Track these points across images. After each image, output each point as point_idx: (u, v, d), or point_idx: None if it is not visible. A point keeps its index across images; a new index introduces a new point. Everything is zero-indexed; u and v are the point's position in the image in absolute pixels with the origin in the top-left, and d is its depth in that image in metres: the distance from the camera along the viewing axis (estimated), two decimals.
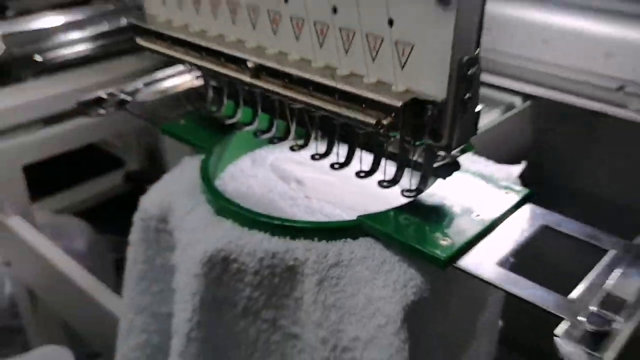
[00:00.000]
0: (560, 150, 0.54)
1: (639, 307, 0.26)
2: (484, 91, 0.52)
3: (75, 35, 0.68)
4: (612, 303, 0.26)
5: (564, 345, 0.25)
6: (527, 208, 0.33)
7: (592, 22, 0.46)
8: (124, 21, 0.69)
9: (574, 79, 0.46)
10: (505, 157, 0.46)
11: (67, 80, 0.76)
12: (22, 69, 0.73)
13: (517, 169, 0.39)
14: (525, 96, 0.50)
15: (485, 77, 0.49)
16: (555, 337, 0.25)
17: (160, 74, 0.49)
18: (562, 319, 0.26)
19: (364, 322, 0.30)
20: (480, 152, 0.43)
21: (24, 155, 0.77)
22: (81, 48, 0.69)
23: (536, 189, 0.34)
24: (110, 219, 1.15)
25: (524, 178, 0.38)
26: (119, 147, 1.29)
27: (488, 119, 0.50)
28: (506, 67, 0.49)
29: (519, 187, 0.34)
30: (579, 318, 0.26)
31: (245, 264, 0.32)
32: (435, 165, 0.32)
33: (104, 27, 0.68)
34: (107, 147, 1.30)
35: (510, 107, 0.50)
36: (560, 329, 0.25)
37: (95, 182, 1.30)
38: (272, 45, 0.34)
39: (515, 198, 0.33)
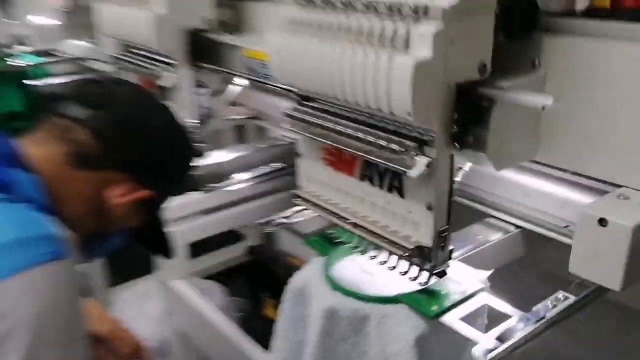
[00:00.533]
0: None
1: None
2: (491, 220, 0.86)
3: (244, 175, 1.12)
4: None
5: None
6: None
7: (553, 186, 0.78)
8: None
9: (540, 217, 0.78)
10: (500, 264, 0.79)
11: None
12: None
13: (486, 273, 0.72)
14: (516, 226, 0.83)
15: (491, 212, 0.83)
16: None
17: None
18: None
19: (397, 341, 0.65)
20: (485, 259, 0.77)
21: (189, 236, 1.22)
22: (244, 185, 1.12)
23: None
24: (235, 284, 1.57)
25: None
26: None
27: (494, 236, 0.83)
28: (504, 206, 0.83)
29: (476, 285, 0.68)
30: None
31: (345, 314, 0.68)
32: (434, 271, 0.66)
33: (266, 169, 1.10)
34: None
35: (506, 231, 0.84)
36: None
37: (223, 252, 1.74)
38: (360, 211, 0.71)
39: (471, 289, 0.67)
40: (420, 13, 0.53)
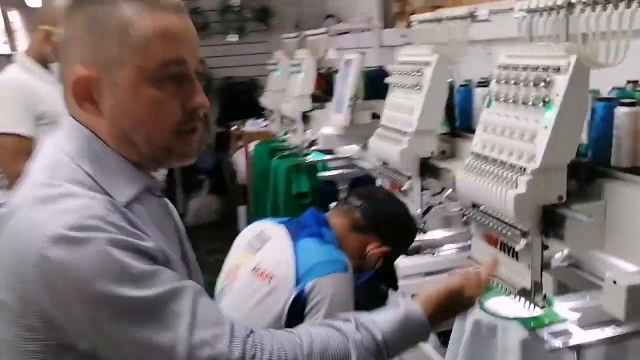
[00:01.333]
0: None
1: None
2: None
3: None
4: None
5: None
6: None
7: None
8: None
9: None
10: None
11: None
12: None
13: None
14: None
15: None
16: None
17: None
18: None
19: (512, 340, 1.18)
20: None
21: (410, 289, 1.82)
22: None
23: None
24: None
25: None
26: None
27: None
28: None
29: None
30: None
31: (484, 322, 1.24)
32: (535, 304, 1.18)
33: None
34: None
35: None
36: None
37: None
38: None
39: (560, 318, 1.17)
40: (519, 170, 1.11)
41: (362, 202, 1.57)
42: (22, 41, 4.83)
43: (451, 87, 1.74)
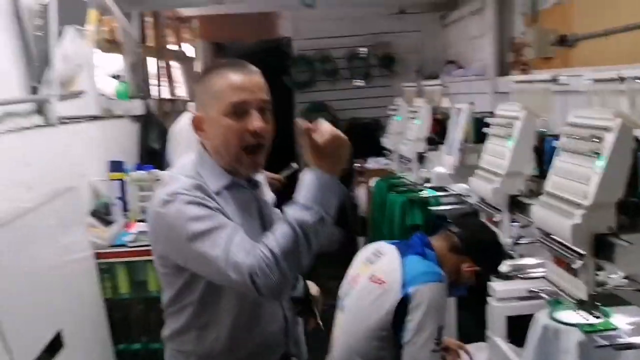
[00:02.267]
0: None
1: None
2: None
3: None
4: None
5: None
6: None
7: None
8: None
9: None
10: None
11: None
12: None
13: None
14: None
15: None
16: None
17: None
18: None
19: (571, 340, 1.48)
20: None
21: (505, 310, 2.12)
22: None
23: None
24: None
25: None
26: None
27: None
28: None
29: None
30: None
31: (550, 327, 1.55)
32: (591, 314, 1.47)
33: None
34: None
35: None
36: None
37: None
38: None
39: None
40: (576, 205, 1.43)
41: (459, 229, 1.94)
42: (182, 88, 5.71)
43: (542, 137, 2.06)
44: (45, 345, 1.77)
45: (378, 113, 5.86)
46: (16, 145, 2.12)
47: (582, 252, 1.45)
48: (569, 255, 1.49)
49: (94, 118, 3.13)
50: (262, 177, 1.58)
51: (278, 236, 1.26)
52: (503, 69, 4.21)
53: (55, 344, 1.84)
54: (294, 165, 3.33)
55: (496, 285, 2.23)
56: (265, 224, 1.47)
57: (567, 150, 1.54)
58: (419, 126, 3.40)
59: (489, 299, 2.29)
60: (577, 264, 1.45)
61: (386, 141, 4.37)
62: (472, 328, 2.76)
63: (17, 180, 2.07)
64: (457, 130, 2.92)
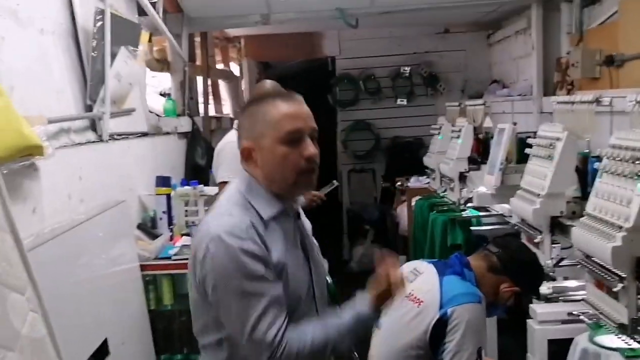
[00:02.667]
0: None
1: None
2: None
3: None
4: None
5: None
6: None
7: None
8: None
9: None
10: None
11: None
12: None
13: None
14: None
15: None
16: None
17: None
18: None
19: None
20: None
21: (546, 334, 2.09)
22: None
23: None
24: None
25: None
26: None
27: None
28: None
29: None
30: None
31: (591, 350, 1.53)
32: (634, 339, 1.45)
33: None
34: None
35: None
36: None
37: None
38: None
39: None
40: (617, 228, 1.42)
41: (498, 249, 1.93)
42: (228, 106, 5.85)
43: (584, 158, 2.04)
44: (92, 352, 1.84)
45: (421, 132, 5.85)
46: (71, 160, 2.23)
47: (622, 275, 1.44)
48: (609, 278, 1.47)
49: (143, 135, 3.25)
50: (300, 205, 1.58)
51: (310, 341, 1.32)
52: (548, 89, 4.17)
53: (102, 351, 1.91)
54: (335, 182, 3.37)
55: (537, 308, 2.20)
56: (307, 254, 1.49)
57: (609, 172, 1.53)
58: (460, 145, 3.40)
59: (529, 321, 2.26)
60: (618, 287, 1.44)
61: (428, 160, 4.37)
62: (513, 352, 2.72)
63: (71, 193, 2.17)
64: (499, 150, 2.91)
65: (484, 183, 3.11)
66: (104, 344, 1.94)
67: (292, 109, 1.40)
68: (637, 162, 1.41)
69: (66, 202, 2.13)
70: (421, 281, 1.93)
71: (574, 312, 1.76)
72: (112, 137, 2.66)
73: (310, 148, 1.39)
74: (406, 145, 6.20)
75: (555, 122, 2.07)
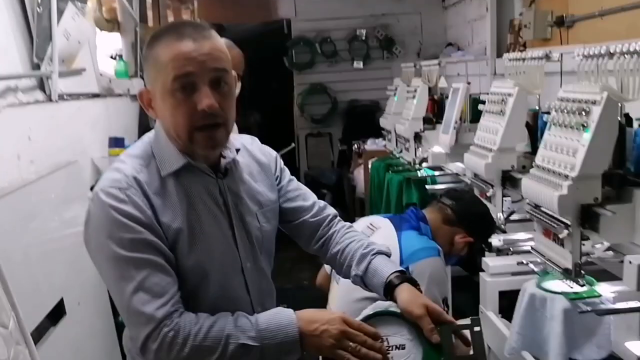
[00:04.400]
0: None
1: None
2: None
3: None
4: None
5: None
6: None
7: None
8: None
9: None
10: None
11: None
12: None
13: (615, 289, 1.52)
14: None
15: None
16: None
17: None
18: None
19: (557, 308, 1.53)
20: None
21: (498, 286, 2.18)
22: None
23: None
24: None
25: None
26: None
27: None
28: None
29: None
30: None
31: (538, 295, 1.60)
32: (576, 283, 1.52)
33: None
34: None
35: None
36: None
37: None
38: None
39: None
40: (564, 177, 1.47)
41: (452, 201, 1.98)
42: None
43: (535, 114, 2.10)
44: (48, 312, 1.82)
45: (377, 95, 5.89)
46: (19, 120, 2.16)
47: (568, 222, 1.50)
48: (556, 226, 1.53)
49: (95, 96, 3.16)
50: (254, 166, 1.39)
51: (209, 328, 1.13)
52: (501, 51, 4.23)
53: (58, 311, 1.89)
54: (292, 144, 3.38)
55: (489, 261, 2.28)
56: (232, 220, 1.28)
57: (557, 124, 1.58)
58: (416, 106, 3.44)
59: (482, 274, 2.34)
60: (564, 233, 1.50)
61: (384, 121, 4.41)
62: (468, 307, 2.83)
63: (20, 153, 2.11)
64: (454, 110, 2.96)
65: (439, 142, 3.17)
66: (60, 304, 1.92)
67: (186, 49, 1.14)
68: (582, 113, 1.46)
69: (15, 163, 2.07)
70: (378, 236, 1.96)
71: (523, 262, 1.83)
72: (62, 97, 2.58)
73: (205, 99, 1.14)
74: (363, 109, 6.23)
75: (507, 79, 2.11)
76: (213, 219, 1.25)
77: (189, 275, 1.20)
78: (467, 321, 1.30)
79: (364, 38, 6.18)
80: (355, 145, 5.34)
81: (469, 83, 2.97)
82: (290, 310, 1.19)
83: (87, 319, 2.02)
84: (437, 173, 3.35)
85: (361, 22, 6.19)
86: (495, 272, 2.25)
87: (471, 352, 1.21)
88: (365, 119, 6.02)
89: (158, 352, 1.11)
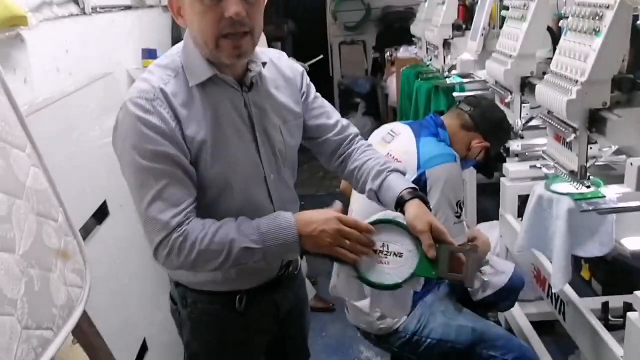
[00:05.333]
0: None
1: None
2: None
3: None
4: None
5: None
6: None
7: None
8: None
9: None
10: None
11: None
12: None
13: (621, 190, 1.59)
14: None
15: None
16: None
17: None
18: None
19: (563, 208, 1.62)
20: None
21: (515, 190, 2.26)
22: None
23: None
24: None
25: None
26: None
27: None
28: None
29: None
30: None
31: (545, 196, 1.69)
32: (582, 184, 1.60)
33: None
34: None
35: None
36: None
37: None
38: None
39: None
40: (574, 82, 1.51)
41: (470, 107, 2.04)
42: None
43: (558, 18, 2.08)
44: (93, 212, 2.00)
45: (412, 1, 5.74)
46: (56, 33, 2.26)
47: (575, 125, 1.55)
48: (564, 130, 1.59)
49: (127, 8, 3.22)
50: (280, 81, 1.39)
51: (214, 233, 1.20)
52: None
53: (102, 212, 2.08)
54: (321, 55, 3.40)
55: (509, 166, 2.36)
56: (256, 133, 1.32)
57: (572, 29, 1.59)
58: (444, 12, 3.39)
59: (502, 179, 2.43)
60: (571, 137, 1.56)
61: (415, 28, 4.35)
62: (490, 210, 2.94)
63: (59, 66, 2.23)
64: (482, 15, 2.92)
65: (467, 49, 3.15)
66: (104, 205, 2.10)
67: None
68: (596, 17, 1.47)
69: (55, 75, 2.19)
70: (398, 142, 2.05)
71: (536, 165, 1.90)
72: (95, 10, 2.65)
73: (233, 6, 1.14)
74: (397, 15, 6.11)
75: None
76: (236, 131, 1.28)
77: (212, 185, 1.27)
78: (466, 247, 1.38)
79: None
80: (388, 53, 5.30)
81: None
82: (289, 214, 1.25)
83: (128, 219, 2.20)
84: (465, 80, 3.35)
85: None
86: (514, 177, 2.34)
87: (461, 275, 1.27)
88: (399, 25, 5.92)
89: (168, 257, 1.20)
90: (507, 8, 2.55)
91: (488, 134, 2.02)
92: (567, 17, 1.67)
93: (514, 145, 2.15)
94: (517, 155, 2.23)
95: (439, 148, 1.98)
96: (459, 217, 1.89)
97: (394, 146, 2.06)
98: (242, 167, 1.29)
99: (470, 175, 3.35)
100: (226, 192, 1.29)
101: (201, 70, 1.24)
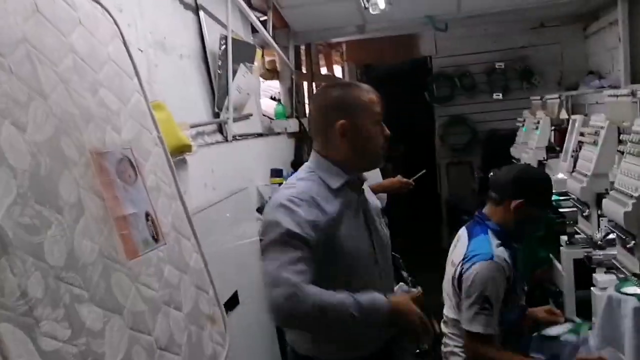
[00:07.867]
0: None
1: None
2: None
3: None
4: None
5: None
6: None
7: None
8: None
9: None
10: None
11: None
12: None
13: None
14: None
15: None
16: None
17: None
18: None
19: (629, 306, 1.82)
20: None
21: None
22: None
23: None
24: None
25: None
26: None
27: None
28: None
29: None
30: None
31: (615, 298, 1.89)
32: None
33: None
34: None
35: None
36: None
37: None
38: None
39: None
40: (630, 197, 1.77)
41: (491, 187, 2.12)
42: None
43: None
44: (227, 299, 2.44)
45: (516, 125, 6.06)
46: (205, 157, 2.85)
47: (634, 233, 1.79)
48: (625, 238, 1.83)
49: (259, 135, 3.87)
50: (368, 191, 1.77)
51: (319, 300, 1.41)
52: (638, 78, 4.29)
53: (234, 301, 2.51)
54: (424, 170, 3.77)
55: (598, 277, 2.54)
56: (368, 224, 1.66)
57: (630, 153, 1.88)
58: (539, 136, 3.71)
59: (592, 289, 2.59)
60: (631, 243, 1.79)
61: (514, 150, 4.67)
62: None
63: (207, 182, 2.80)
64: (572, 139, 3.21)
65: (560, 169, 3.42)
66: (235, 295, 2.54)
67: (374, 96, 1.64)
68: None
69: (203, 189, 2.76)
70: (459, 247, 2.17)
71: (611, 271, 2.11)
72: (235, 137, 3.28)
73: (385, 130, 1.65)
74: (501, 138, 6.42)
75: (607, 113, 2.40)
76: (358, 223, 1.63)
77: (341, 262, 1.56)
78: None
79: (502, 70, 6.40)
80: (492, 173, 5.57)
81: (586, 115, 3.20)
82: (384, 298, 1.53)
83: (255, 310, 2.61)
84: (561, 198, 3.57)
85: (499, 56, 6.42)
86: (603, 287, 2.51)
87: None
88: (504, 147, 6.20)
89: (286, 310, 1.40)
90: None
91: (515, 192, 2.01)
92: (627, 143, 1.97)
93: (596, 255, 2.35)
94: (599, 264, 2.41)
95: (480, 248, 2.04)
96: (482, 309, 1.95)
97: (456, 251, 2.20)
98: (363, 252, 1.63)
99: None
100: (352, 272, 1.59)
101: (340, 176, 1.62)
